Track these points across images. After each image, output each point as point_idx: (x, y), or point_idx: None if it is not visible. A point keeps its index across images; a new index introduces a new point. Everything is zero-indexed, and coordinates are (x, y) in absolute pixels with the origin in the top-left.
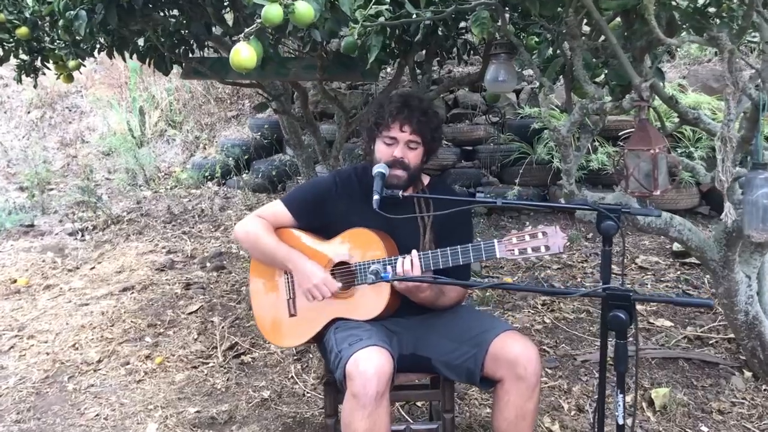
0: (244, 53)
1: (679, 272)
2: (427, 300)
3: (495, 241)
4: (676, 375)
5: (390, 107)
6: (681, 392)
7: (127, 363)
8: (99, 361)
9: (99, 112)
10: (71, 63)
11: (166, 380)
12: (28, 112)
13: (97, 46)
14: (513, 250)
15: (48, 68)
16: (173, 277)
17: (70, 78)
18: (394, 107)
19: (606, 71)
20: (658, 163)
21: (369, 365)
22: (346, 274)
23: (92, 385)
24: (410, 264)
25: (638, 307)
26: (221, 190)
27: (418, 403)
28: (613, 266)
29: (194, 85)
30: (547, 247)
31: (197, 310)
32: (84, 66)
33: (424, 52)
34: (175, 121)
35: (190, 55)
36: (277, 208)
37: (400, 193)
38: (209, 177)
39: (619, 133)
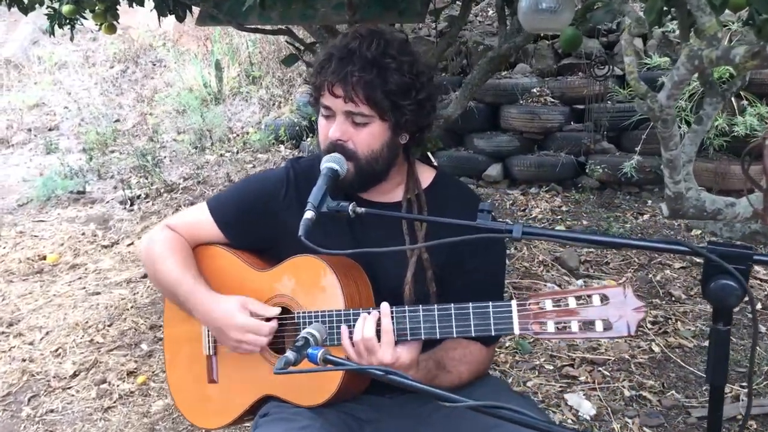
0: None
1: None
2: (419, 377)
3: (513, 303)
4: None
5: (321, 58)
6: None
7: (104, 381)
8: (73, 376)
9: (177, 66)
10: (65, 8)
11: (140, 409)
12: (111, 67)
13: None
14: (544, 323)
15: (85, 18)
16: None
17: (111, 28)
18: (323, 57)
19: None
20: None
21: None
22: (290, 327)
23: (51, 411)
24: (372, 329)
25: None
26: (291, 155)
27: None
28: None
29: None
30: (607, 324)
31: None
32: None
33: None
34: (254, 76)
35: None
36: (197, 217)
37: (350, 208)
38: (280, 140)
39: None
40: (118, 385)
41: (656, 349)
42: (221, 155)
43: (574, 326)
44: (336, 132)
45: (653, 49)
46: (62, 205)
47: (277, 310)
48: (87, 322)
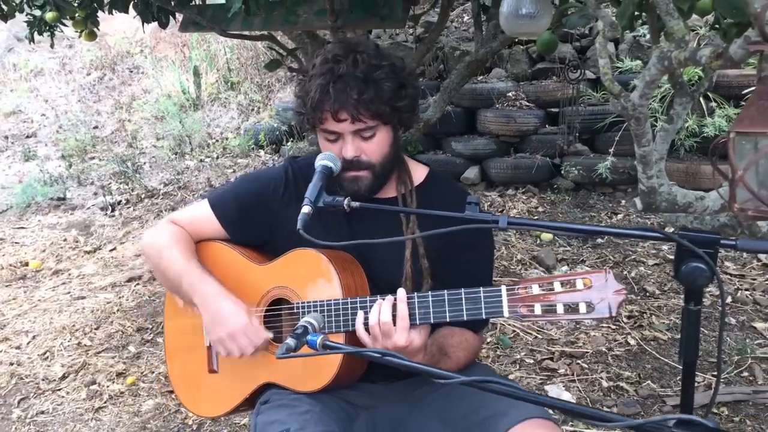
0: None
1: None
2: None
3: (503, 288)
4: None
5: (311, 91)
6: None
7: (93, 382)
8: (63, 378)
9: (155, 73)
10: (48, 15)
11: (130, 409)
12: (88, 74)
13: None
14: (531, 306)
15: (65, 25)
16: None
17: (92, 35)
18: (315, 90)
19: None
20: None
21: None
22: (287, 318)
23: (42, 412)
24: (389, 313)
25: (759, 324)
26: (272, 160)
27: None
28: None
29: (256, 42)
30: (590, 306)
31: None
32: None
33: None
34: (233, 82)
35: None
36: (199, 212)
37: (345, 202)
38: (260, 144)
39: (744, 92)
40: (107, 386)
41: (632, 341)
42: (201, 161)
43: (560, 309)
44: (350, 151)
45: (625, 53)
46: (42, 212)
47: (270, 334)
48: (74, 325)
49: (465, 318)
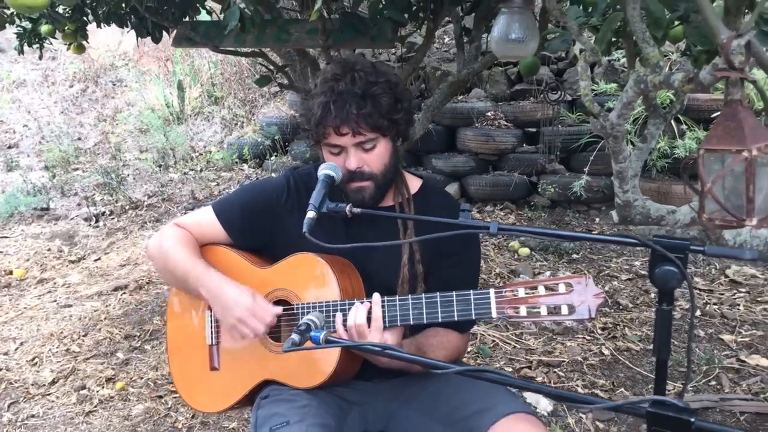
0: None
1: None
2: (396, 365)
3: (491, 291)
4: None
5: (314, 108)
6: None
7: (83, 387)
8: (52, 383)
9: (139, 86)
10: (43, 28)
11: (120, 413)
12: (71, 86)
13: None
14: (517, 308)
15: (55, 38)
16: None
17: (80, 48)
18: (317, 108)
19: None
20: (755, 174)
21: None
22: (287, 318)
23: (33, 416)
24: (364, 316)
25: (726, 336)
26: (255, 174)
27: None
28: None
29: (240, 58)
30: (571, 308)
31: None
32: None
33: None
34: (216, 97)
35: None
36: (204, 218)
37: (347, 208)
38: (243, 158)
39: (712, 115)
40: (97, 391)
41: (606, 351)
42: (185, 173)
43: (544, 311)
44: (353, 163)
45: (600, 77)
46: (26, 222)
47: (279, 309)
48: (62, 332)
49: (456, 318)
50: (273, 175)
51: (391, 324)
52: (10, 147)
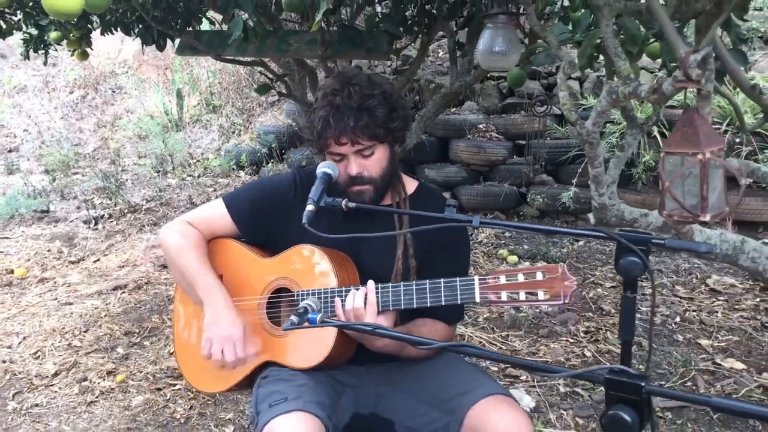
0: None
1: (759, 299)
2: (389, 349)
3: (476, 279)
4: None
5: (315, 122)
6: None
7: (85, 379)
8: (55, 375)
9: (138, 94)
10: (52, 35)
11: (121, 404)
12: (71, 92)
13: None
14: (499, 293)
15: (60, 45)
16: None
17: (84, 55)
18: (318, 121)
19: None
20: (708, 175)
21: None
22: (287, 304)
23: (37, 405)
24: (362, 300)
25: (703, 341)
26: (251, 180)
27: None
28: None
29: (238, 67)
30: (547, 294)
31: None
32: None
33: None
34: (215, 105)
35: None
36: (215, 212)
37: (344, 203)
38: (240, 165)
39: None
40: (98, 383)
41: (588, 353)
42: (183, 179)
43: (522, 296)
44: (354, 169)
45: (588, 92)
46: (26, 223)
47: (255, 352)
48: (63, 328)
49: (443, 302)
50: None
51: (384, 308)
52: (10, 151)
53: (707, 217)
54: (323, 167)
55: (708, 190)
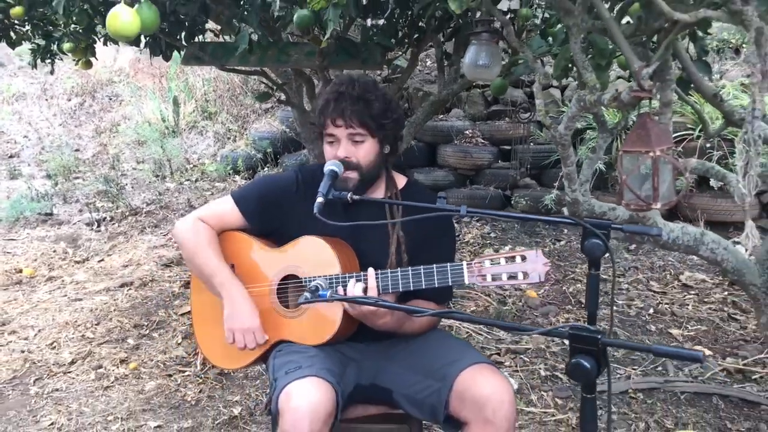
0: (125, 17)
1: (726, 293)
2: (388, 327)
3: (464, 264)
4: (708, 414)
5: (319, 104)
6: None
7: (100, 366)
8: (72, 363)
9: (135, 101)
10: (65, 45)
11: (135, 388)
12: (69, 100)
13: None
14: (485, 275)
15: (65, 54)
16: (177, 274)
17: (88, 64)
18: (322, 99)
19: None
20: (659, 170)
21: (302, 400)
22: (294, 290)
23: (57, 390)
24: (360, 286)
25: (674, 330)
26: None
27: None
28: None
29: (232, 76)
30: (525, 274)
31: (190, 311)
32: (90, 54)
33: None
34: (210, 112)
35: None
36: (225, 207)
37: (349, 195)
38: (236, 170)
39: (673, 135)
40: (113, 370)
41: (567, 342)
42: (181, 183)
43: (504, 277)
44: (342, 152)
45: (569, 99)
46: (31, 226)
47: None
48: (76, 321)
49: (436, 284)
50: None
51: (383, 291)
52: (11, 156)
53: (658, 205)
54: (330, 165)
55: (659, 183)
